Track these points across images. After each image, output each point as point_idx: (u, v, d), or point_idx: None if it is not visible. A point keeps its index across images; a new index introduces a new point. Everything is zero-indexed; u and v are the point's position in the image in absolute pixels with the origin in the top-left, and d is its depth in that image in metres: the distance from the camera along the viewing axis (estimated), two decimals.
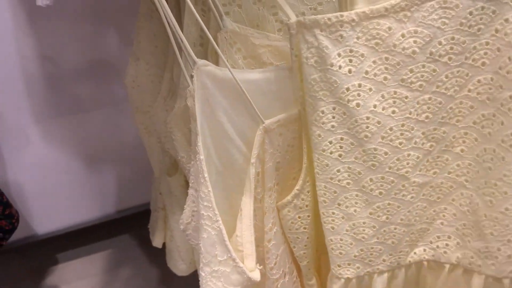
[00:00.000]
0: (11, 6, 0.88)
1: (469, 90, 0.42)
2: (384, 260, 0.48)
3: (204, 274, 0.45)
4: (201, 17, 0.55)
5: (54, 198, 1.09)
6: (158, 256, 1.20)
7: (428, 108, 0.42)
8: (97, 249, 1.24)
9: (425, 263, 0.49)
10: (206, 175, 0.43)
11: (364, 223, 0.46)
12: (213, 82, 0.43)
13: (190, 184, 0.51)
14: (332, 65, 0.40)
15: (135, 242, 1.26)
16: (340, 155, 0.43)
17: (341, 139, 0.43)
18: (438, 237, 0.48)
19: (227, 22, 0.48)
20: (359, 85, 0.41)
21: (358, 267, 0.48)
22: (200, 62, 0.42)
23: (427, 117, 0.43)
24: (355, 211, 0.46)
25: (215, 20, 0.47)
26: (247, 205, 0.45)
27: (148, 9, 0.64)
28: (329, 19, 0.38)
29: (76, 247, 1.25)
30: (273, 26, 0.48)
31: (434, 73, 0.41)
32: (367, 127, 0.42)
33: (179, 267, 0.82)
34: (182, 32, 0.54)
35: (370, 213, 0.46)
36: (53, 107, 1.00)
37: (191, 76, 0.44)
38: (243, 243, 0.44)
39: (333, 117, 0.42)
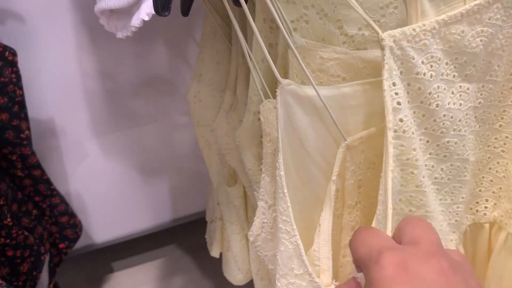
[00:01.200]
0: (74, 26, 0.84)
1: (510, 74, 0.43)
2: (452, 241, 0.48)
3: (280, 285, 0.43)
4: (269, 34, 0.49)
5: (110, 208, 1.05)
6: (211, 264, 1.21)
7: (481, 94, 0.42)
8: (151, 257, 1.19)
9: (468, 229, 0.50)
10: (285, 190, 0.42)
11: (438, 212, 0.45)
12: (295, 100, 0.41)
13: (260, 197, 0.49)
14: (417, 73, 0.38)
15: (188, 250, 1.19)
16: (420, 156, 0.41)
17: (420, 140, 0.41)
18: (477, 202, 0.49)
19: (296, 38, 0.44)
20: (438, 87, 0.39)
21: None
22: (284, 81, 0.40)
23: (479, 103, 0.43)
24: (432, 205, 0.44)
25: (284, 36, 0.42)
26: (326, 221, 0.43)
27: (211, 28, 0.61)
28: (414, 29, 0.37)
29: (131, 255, 1.20)
30: (338, 39, 0.44)
31: (489, 64, 0.41)
32: (443, 123, 0.41)
33: (236, 277, 0.79)
34: (251, 50, 0.48)
35: (440, 199, 0.45)
36: (111, 121, 0.97)
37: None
38: (320, 258, 0.42)
39: (414, 121, 0.40)
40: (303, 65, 0.41)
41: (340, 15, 0.43)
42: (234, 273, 0.78)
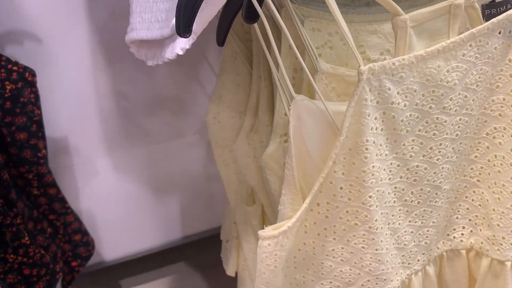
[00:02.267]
0: (90, 46, 0.86)
1: (485, 108, 0.45)
2: (418, 260, 0.50)
3: None
4: (295, 60, 0.51)
5: (121, 226, 1.05)
6: (220, 283, 1.21)
7: (458, 127, 0.45)
8: (161, 275, 1.18)
9: (445, 254, 0.53)
10: (298, 186, 0.45)
11: (405, 231, 0.48)
12: (307, 114, 0.43)
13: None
14: (392, 103, 0.41)
15: (198, 268, 1.18)
16: (389, 178, 0.44)
17: (391, 164, 0.44)
18: (454, 229, 0.51)
19: (321, 63, 0.47)
20: (410, 115, 0.42)
21: (401, 273, 0.49)
22: (298, 97, 0.43)
23: (457, 135, 0.45)
24: (399, 224, 0.47)
25: (310, 62, 0.46)
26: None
27: (232, 52, 0.63)
28: (393, 63, 0.39)
29: (140, 273, 1.19)
30: (361, 64, 0.55)
31: (465, 99, 0.43)
32: (412, 148, 0.44)
33: None
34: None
35: (409, 221, 0.48)
36: (124, 140, 0.97)
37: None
38: None
39: (386, 146, 0.43)
40: (314, 84, 0.43)
41: (362, 41, 0.46)
42: None
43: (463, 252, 0.54)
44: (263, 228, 0.73)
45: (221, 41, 0.46)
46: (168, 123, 0.99)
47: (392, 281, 0.48)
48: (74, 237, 0.85)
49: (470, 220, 0.52)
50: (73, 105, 0.90)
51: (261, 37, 0.46)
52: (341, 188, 0.42)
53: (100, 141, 0.97)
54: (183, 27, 0.40)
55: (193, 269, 1.20)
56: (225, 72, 0.65)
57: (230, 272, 0.80)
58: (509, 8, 0.42)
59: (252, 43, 0.60)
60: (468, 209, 0.52)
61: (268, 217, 0.69)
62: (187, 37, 0.41)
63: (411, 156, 0.44)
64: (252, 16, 0.42)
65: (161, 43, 0.46)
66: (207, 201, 1.06)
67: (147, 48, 0.49)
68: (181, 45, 0.43)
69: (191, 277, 1.18)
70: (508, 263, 0.50)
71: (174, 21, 0.43)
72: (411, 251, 0.50)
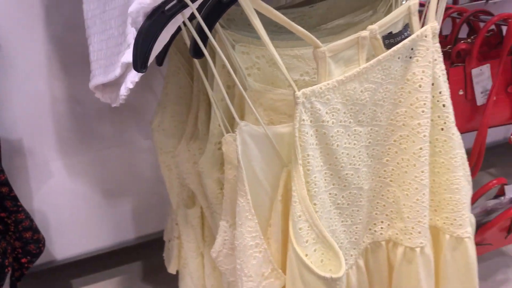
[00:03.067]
0: (46, 53, 0.88)
1: (391, 119, 0.53)
2: (351, 255, 0.56)
3: None
4: (227, 77, 0.56)
5: (73, 226, 1.05)
6: (167, 283, 1.26)
7: (370, 136, 0.52)
8: (110, 275, 1.19)
9: (369, 246, 0.59)
10: (253, 211, 0.50)
11: (340, 231, 0.54)
12: (250, 138, 0.49)
13: (222, 217, 0.56)
14: (323, 121, 0.47)
15: (147, 269, 1.19)
16: (325, 186, 0.50)
17: (325, 173, 0.50)
18: (375, 224, 0.59)
19: (250, 82, 0.52)
20: (337, 131, 0.49)
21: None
22: (242, 123, 0.48)
23: (369, 142, 0.53)
24: (335, 225, 0.53)
25: (241, 81, 0.50)
26: (275, 234, 0.52)
27: (176, 67, 0.67)
28: (321, 88, 0.46)
29: (91, 273, 1.19)
30: (284, 83, 0.53)
31: (375, 112, 0.51)
32: (342, 159, 0.50)
33: None
34: (212, 90, 0.59)
35: (342, 221, 0.54)
36: (78, 143, 0.98)
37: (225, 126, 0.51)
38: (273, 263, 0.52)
39: (321, 159, 0.49)
40: (253, 107, 0.49)
41: (285, 64, 0.50)
42: None
43: (383, 243, 0.61)
44: (202, 229, 0.79)
45: (159, 63, 0.52)
46: (121, 129, 1.02)
47: None
48: (24, 234, 0.86)
49: (387, 215, 0.59)
50: (28, 108, 0.91)
51: (196, 60, 0.52)
52: (295, 202, 0.48)
53: (54, 144, 0.99)
54: (140, 64, 0.43)
55: (144, 270, 1.22)
56: (169, 84, 0.70)
57: (171, 270, 0.85)
58: (404, 38, 0.51)
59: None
60: (384, 205, 0.59)
61: (206, 218, 0.74)
62: (143, 72, 0.45)
63: (341, 166, 0.51)
64: (198, 53, 0.49)
65: (117, 83, 0.51)
66: (159, 204, 1.10)
67: (110, 92, 0.54)
68: (131, 79, 0.47)
69: (141, 278, 1.21)
70: (418, 249, 0.58)
71: (122, 60, 0.46)
72: (346, 248, 0.56)
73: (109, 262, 1.25)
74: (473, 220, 0.63)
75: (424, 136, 0.52)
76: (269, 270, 0.52)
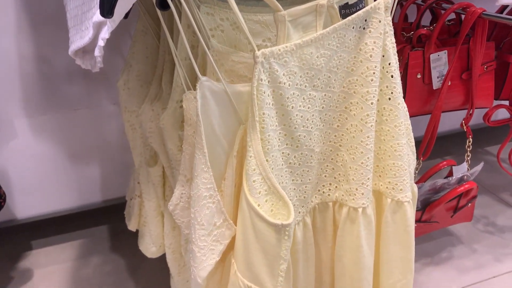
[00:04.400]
0: (15, 10, 0.88)
1: (344, 87, 0.57)
2: (299, 212, 0.60)
3: (206, 244, 0.54)
4: (192, 37, 0.59)
5: (37, 186, 1.06)
6: (128, 247, 1.29)
7: (324, 101, 0.56)
8: (71, 238, 1.21)
9: (317, 206, 0.64)
10: (208, 164, 0.52)
11: (290, 189, 0.58)
12: (210, 93, 0.51)
13: (180, 171, 0.58)
14: (280, 82, 0.50)
15: (109, 233, 1.23)
16: (279, 145, 0.54)
17: (279, 133, 0.53)
18: (323, 185, 0.63)
19: (213, 43, 0.55)
20: (293, 93, 0.52)
21: None
22: (203, 78, 0.50)
23: (323, 107, 0.56)
24: (286, 183, 0.56)
25: (204, 40, 0.52)
26: (228, 187, 0.55)
27: (143, 26, 0.69)
28: (279, 49, 0.49)
29: (55, 234, 1.21)
30: (246, 47, 0.56)
31: (329, 78, 0.55)
32: (296, 121, 0.53)
33: (150, 250, 0.86)
34: (176, 49, 0.61)
35: (292, 180, 0.58)
36: (44, 103, 0.99)
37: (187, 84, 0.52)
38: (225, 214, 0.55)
39: (276, 119, 0.52)
40: (215, 66, 0.52)
41: (249, 29, 0.53)
42: (149, 246, 0.87)
43: (330, 204, 0.65)
44: (163, 187, 0.82)
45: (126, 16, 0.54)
46: (88, 91, 1.04)
47: None
48: None
49: (335, 177, 0.63)
50: None
51: (162, 19, 0.54)
52: (250, 157, 0.52)
53: (20, 102, 0.99)
54: (107, 10, 0.46)
55: (106, 235, 1.25)
56: (136, 44, 0.72)
57: (131, 227, 0.88)
58: (359, 9, 0.54)
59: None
60: (333, 168, 0.63)
61: (168, 178, 0.77)
62: (110, 17, 0.47)
63: (295, 128, 0.55)
64: (164, 5, 0.51)
65: (92, 47, 0.53)
66: (126, 169, 1.12)
67: (89, 58, 0.56)
68: (102, 36, 0.49)
69: (103, 242, 1.23)
70: (360, 210, 0.62)
71: (93, 20, 0.49)
72: (295, 205, 0.60)
73: (72, 225, 1.27)
74: (415, 189, 0.68)
75: (372, 103, 0.57)
76: (221, 220, 0.55)
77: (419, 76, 0.97)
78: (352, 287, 0.65)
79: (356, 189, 0.61)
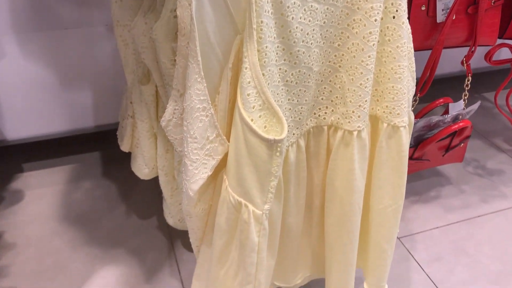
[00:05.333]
0: None
1: (347, 2, 0.54)
2: (294, 134, 0.59)
3: (198, 157, 0.53)
4: None
5: (27, 107, 1.05)
6: (120, 172, 1.29)
7: (326, 16, 0.53)
8: (63, 162, 1.22)
9: (311, 129, 0.62)
10: (202, 74, 0.50)
11: (285, 108, 0.56)
12: None
13: (173, 86, 0.56)
14: None
15: (101, 159, 1.23)
16: (276, 60, 0.51)
17: (277, 47, 0.51)
18: (319, 108, 0.61)
19: None
20: (294, 3, 0.49)
21: None
22: None
23: (324, 22, 0.54)
24: (281, 102, 0.55)
25: None
26: (222, 102, 0.53)
27: None
28: None
29: (42, 158, 1.22)
30: None
31: None
32: (296, 34, 0.51)
33: (143, 171, 0.85)
34: None
35: (288, 99, 0.56)
36: (33, 20, 0.96)
37: None
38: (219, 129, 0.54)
39: (275, 30, 0.50)
40: None
41: None
42: (141, 167, 0.86)
43: (325, 128, 0.64)
44: (156, 107, 0.80)
45: None
46: (79, 10, 0.99)
47: None
48: None
49: (332, 100, 0.62)
50: None
51: None
52: (246, 68, 0.50)
53: (8, 20, 0.95)
54: None
55: (99, 160, 1.25)
56: None
57: (124, 148, 0.87)
58: None
59: None
60: (331, 91, 0.61)
61: (161, 96, 0.75)
62: None
63: (294, 42, 0.52)
64: None
65: None
66: (119, 94, 1.10)
67: None
68: None
69: (93, 167, 1.23)
70: (355, 133, 0.61)
71: None
72: (289, 126, 0.59)
73: (63, 150, 1.26)
74: (412, 117, 0.67)
75: (375, 20, 0.54)
76: (214, 135, 0.54)
77: (423, 8, 0.93)
78: (342, 210, 0.66)
79: (353, 112, 0.60)
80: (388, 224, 0.68)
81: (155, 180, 0.88)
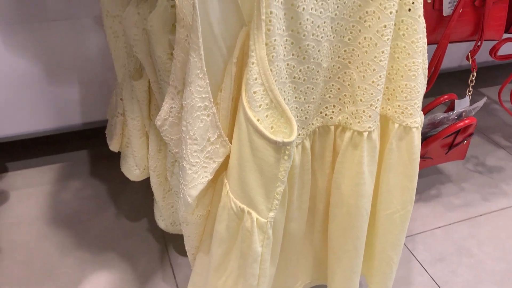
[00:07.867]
0: None
1: None
2: (299, 134, 0.55)
3: (198, 160, 0.49)
4: None
5: (9, 104, 0.99)
6: (109, 171, 1.24)
7: (337, 7, 0.49)
8: (49, 161, 1.16)
9: (317, 129, 0.58)
10: (204, 69, 0.45)
11: (291, 107, 0.52)
12: None
13: (170, 82, 0.52)
14: None
15: (89, 157, 1.18)
16: (284, 55, 0.47)
17: (286, 40, 0.47)
18: (326, 107, 0.57)
19: None
20: None
21: None
22: None
23: (335, 15, 0.49)
24: (288, 100, 0.51)
25: None
26: (225, 100, 0.49)
27: None
28: None
29: (27, 157, 1.17)
30: None
31: None
32: (306, 27, 0.47)
33: (133, 172, 0.80)
34: None
35: (295, 97, 0.52)
36: (17, 11, 0.90)
37: None
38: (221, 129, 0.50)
39: (284, 22, 0.45)
40: None
41: None
42: (132, 168, 0.81)
43: (332, 128, 0.60)
44: (149, 104, 0.75)
45: None
46: (66, 0, 0.94)
47: None
48: None
49: (340, 99, 0.57)
50: None
51: None
52: (252, 64, 0.45)
53: None
54: None
55: (87, 158, 1.20)
56: None
57: (113, 147, 0.82)
58: None
59: None
60: (339, 89, 0.57)
61: (154, 93, 0.70)
62: None
63: (304, 35, 0.48)
64: None
65: None
66: (108, 91, 1.04)
67: None
68: None
69: (80, 166, 1.18)
70: (365, 134, 0.57)
71: None
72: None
73: (50, 148, 1.21)
74: (421, 117, 0.63)
75: (391, 13, 0.50)
76: (215, 136, 0.50)
77: (429, 1, 0.89)
78: (348, 215, 0.62)
79: (364, 111, 0.56)
80: (395, 230, 0.65)
81: (145, 181, 0.83)
